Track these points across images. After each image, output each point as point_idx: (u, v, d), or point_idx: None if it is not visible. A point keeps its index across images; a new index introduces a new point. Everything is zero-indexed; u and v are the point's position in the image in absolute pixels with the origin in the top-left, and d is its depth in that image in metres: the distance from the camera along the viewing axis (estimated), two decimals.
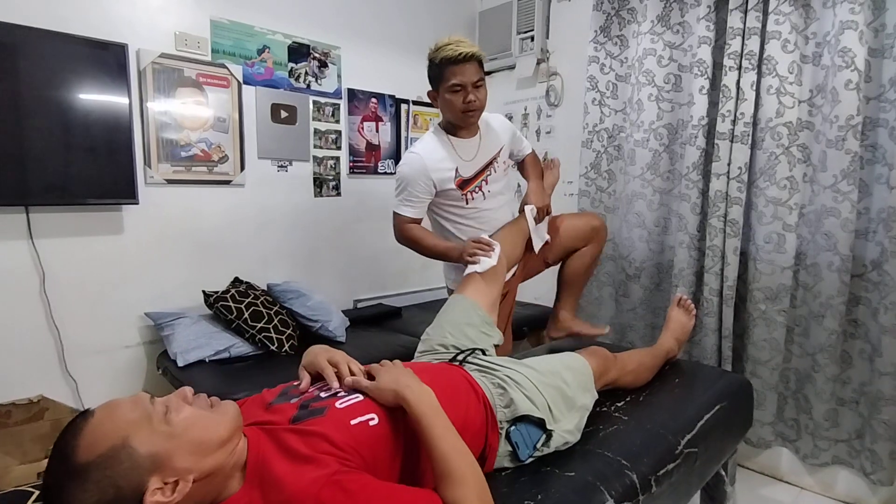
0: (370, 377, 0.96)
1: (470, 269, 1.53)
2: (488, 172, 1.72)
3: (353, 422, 0.85)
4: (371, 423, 0.87)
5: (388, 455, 0.87)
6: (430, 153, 1.65)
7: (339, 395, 0.93)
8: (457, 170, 1.66)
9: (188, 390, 0.80)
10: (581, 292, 2.00)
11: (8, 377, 1.78)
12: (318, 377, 0.99)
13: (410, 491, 0.80)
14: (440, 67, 1.59)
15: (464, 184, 1.68)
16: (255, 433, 0.83)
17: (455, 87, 1.58)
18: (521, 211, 1.77)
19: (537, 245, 1.76)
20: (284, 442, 0.80)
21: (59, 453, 0.70)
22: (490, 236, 1.64)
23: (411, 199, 1.66)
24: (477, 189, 1.71)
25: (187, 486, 0.71)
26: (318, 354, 1.01)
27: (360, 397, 0.92)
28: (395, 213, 1.70)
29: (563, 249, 1.87)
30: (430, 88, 1.67)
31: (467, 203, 1.70)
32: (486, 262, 1.52)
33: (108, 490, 0.68)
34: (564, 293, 1.93)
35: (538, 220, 1.76)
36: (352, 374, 0.97)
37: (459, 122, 1.67)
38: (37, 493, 0.87)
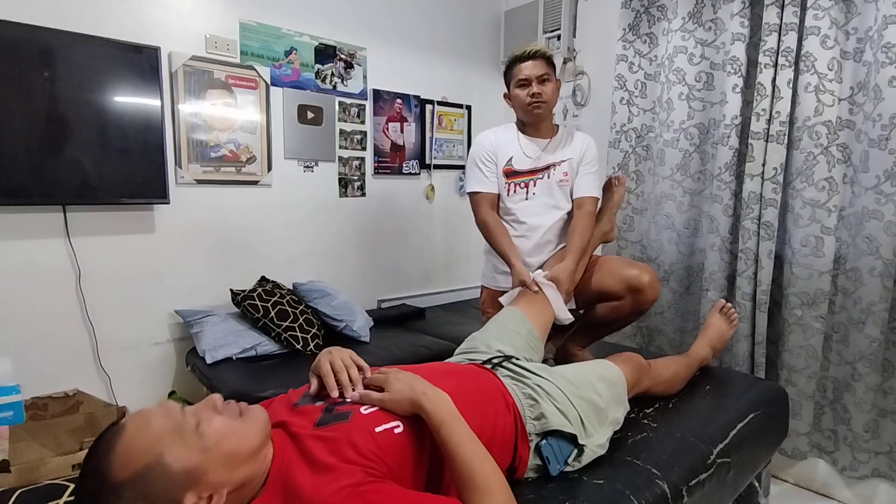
0: (377, 389, 0.91)
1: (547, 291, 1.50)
2: (540, 176, 1.68)
3: (377, 429, 0.83)
4: (396, 430, 0.85)
5: (413, 462, 0.85)
6: (499, 133, 1.73)
7: None
8: (512, 158, 1.68)
9: (217, 398, 0.78)
10: (600, 339, 1.78)
11: (45, 371, 1.83)
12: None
13: (436, 499, 0.79)
14: (510, 66, 1.67)
15: (511, 174, 1.69)
16: (280, 438, 0.83)
17: (521, 81, 1.63)
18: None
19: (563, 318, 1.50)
20: (308, 450, 0.79)
21: (91, 471, 0.68)
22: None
23: (478, 172, 1.70)
24: (522, 185, 1.69)
25: (222, 499, 0.71)
26: (320, 358, 0.97)
27: None
28: (470, 197, 1.73)
29: (596, 294, 1.63)
30: (505, 91, 1.74)
31: (508, 194, 1.70)
32: (557, 304, 1.48)
33: None
34: (581, 332, 1.72)
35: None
36: (352, 380, 0.92)
37: (527, 118, 1.68)
38: (72, 486, 0.88)
